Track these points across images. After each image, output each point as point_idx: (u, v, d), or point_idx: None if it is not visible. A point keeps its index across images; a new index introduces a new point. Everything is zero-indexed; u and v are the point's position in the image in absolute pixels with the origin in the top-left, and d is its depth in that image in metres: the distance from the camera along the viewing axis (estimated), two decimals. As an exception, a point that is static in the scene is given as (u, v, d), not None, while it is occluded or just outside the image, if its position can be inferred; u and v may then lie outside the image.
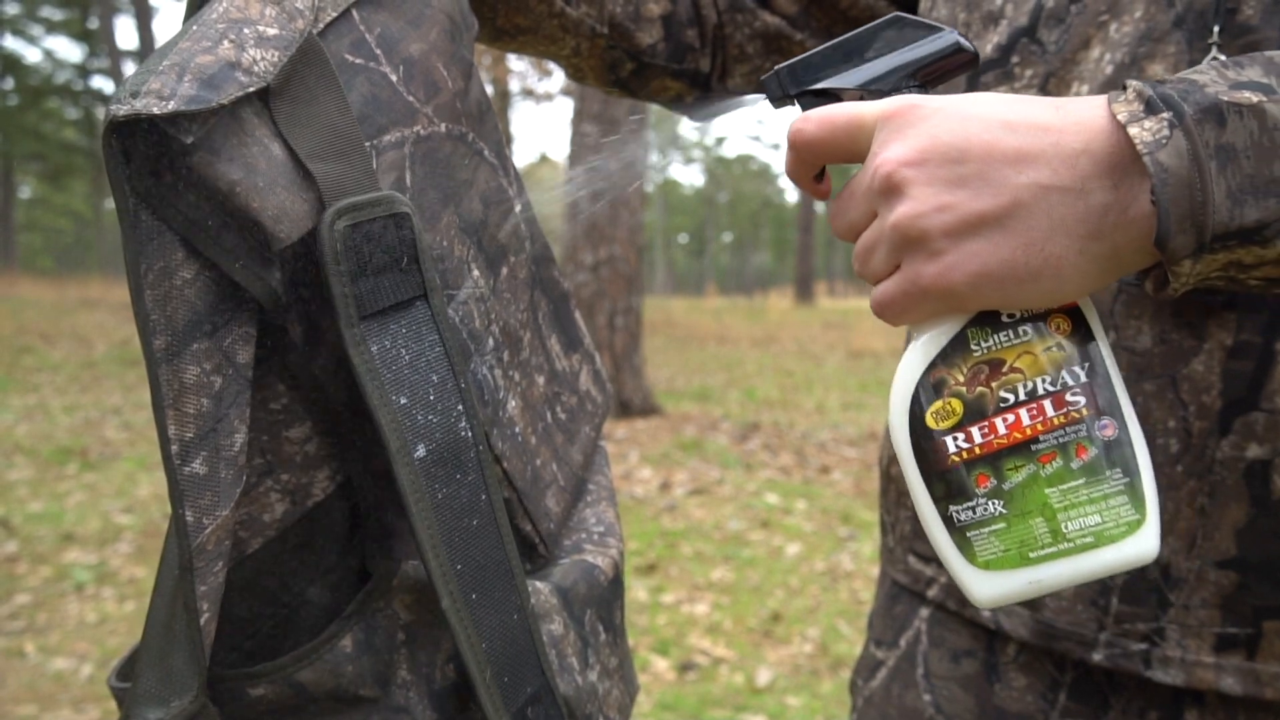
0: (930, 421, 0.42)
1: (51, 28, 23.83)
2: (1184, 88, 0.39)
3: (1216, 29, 0.53)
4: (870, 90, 0.48)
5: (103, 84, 25.23)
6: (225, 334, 0.39)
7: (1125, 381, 0.56)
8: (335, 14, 0.42)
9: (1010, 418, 0.42)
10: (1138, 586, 0.57)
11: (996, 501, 0.42)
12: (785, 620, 3.07)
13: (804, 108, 0.49)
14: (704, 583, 3.38)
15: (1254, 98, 0.38)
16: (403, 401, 0.41)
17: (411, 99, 0.45)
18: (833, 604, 3.22)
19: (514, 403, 0.51)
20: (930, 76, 0.49)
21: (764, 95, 0.52)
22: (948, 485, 0.42)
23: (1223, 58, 0.41)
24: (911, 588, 0.71)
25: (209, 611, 0.38)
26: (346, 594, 0.46)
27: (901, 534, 0.72)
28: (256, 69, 0.38)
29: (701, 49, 0.75)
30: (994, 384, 0.42)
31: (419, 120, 0.45)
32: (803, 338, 13.34)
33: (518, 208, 0.53)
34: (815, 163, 0.47)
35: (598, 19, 0.69)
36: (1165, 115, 0.38)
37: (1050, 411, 0.41)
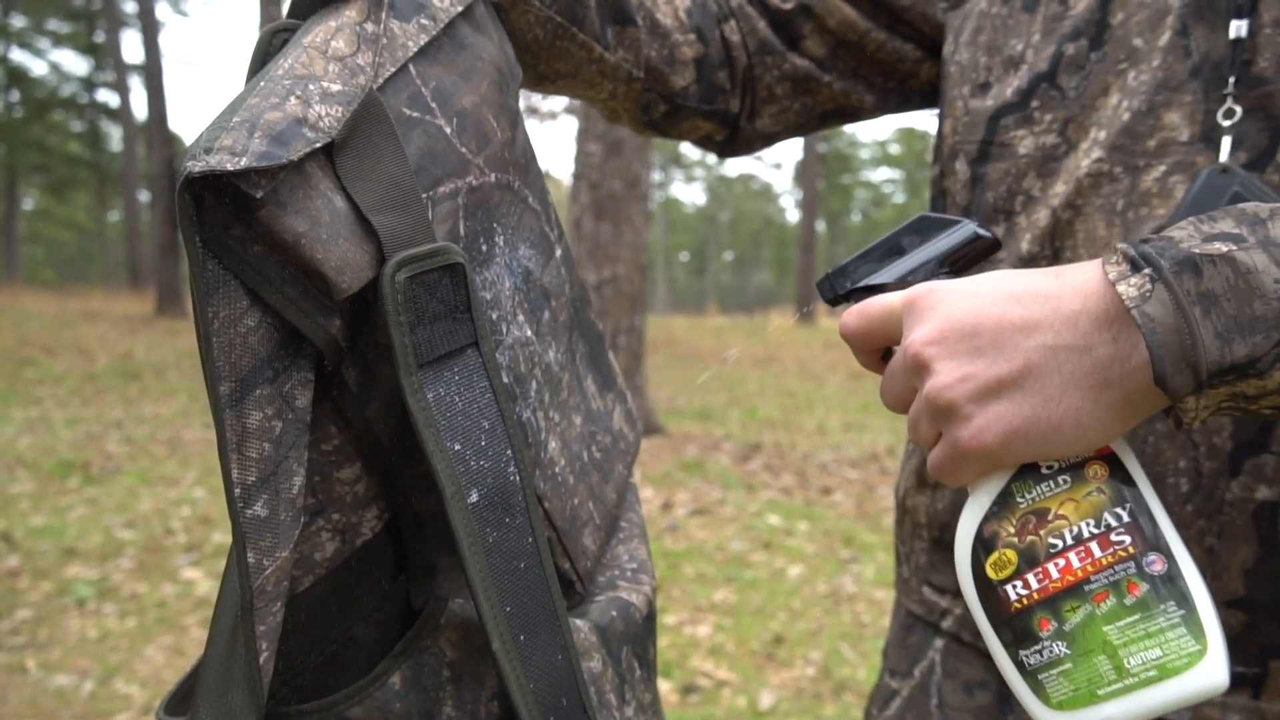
0: (991, 573, 0.45)
1: (58, 41, 23.96)
2: (1162, 245, 0.43)
3: (1232, 80, 0.55)
4: (907, 282, 0.53)
5: (108, 97, 25.37)
6: (286, 379, 0.40)
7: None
8: (394, 69, 0.44)
9: (1061, 562, 0.44)
10: None
11: (1060, 643, 0.44)
12: (788, 643, 3.07)
13: (853, 303, 0.54)
14: (706, 604, 3.37)
15: (1224, 248, 0.42)
16: (457, 448, 0.42)
17: (464, 150, 0.46)
18: (835, 627, 3.21)
19: (554, 443, 0.52)
20: (958, 264, 0.54)
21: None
22: (1014, 631, 0.45)
23: (1197, 217, 0.45)
24: (926, 618, 0.72)
25: (267, 650, 0.39)
26: (391, 630, 0.48)
27: (916, 565, 0.74)
28: (322, 124, 0.39)
29: (732, 90, 0.77)
30: (1042, 532, 0.45)
31: (471, 171, 0.47)
32: (804, 357, 13.36)
33: (558, 252, 0.55)
34: (868, 349, 0.53)
35: (634, 64, 0.71)
36: (1147, 271, 0.42)
37: (1098, 553, 0.44)
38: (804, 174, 23.60)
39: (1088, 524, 0.44)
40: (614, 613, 0.53)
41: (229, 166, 0.36)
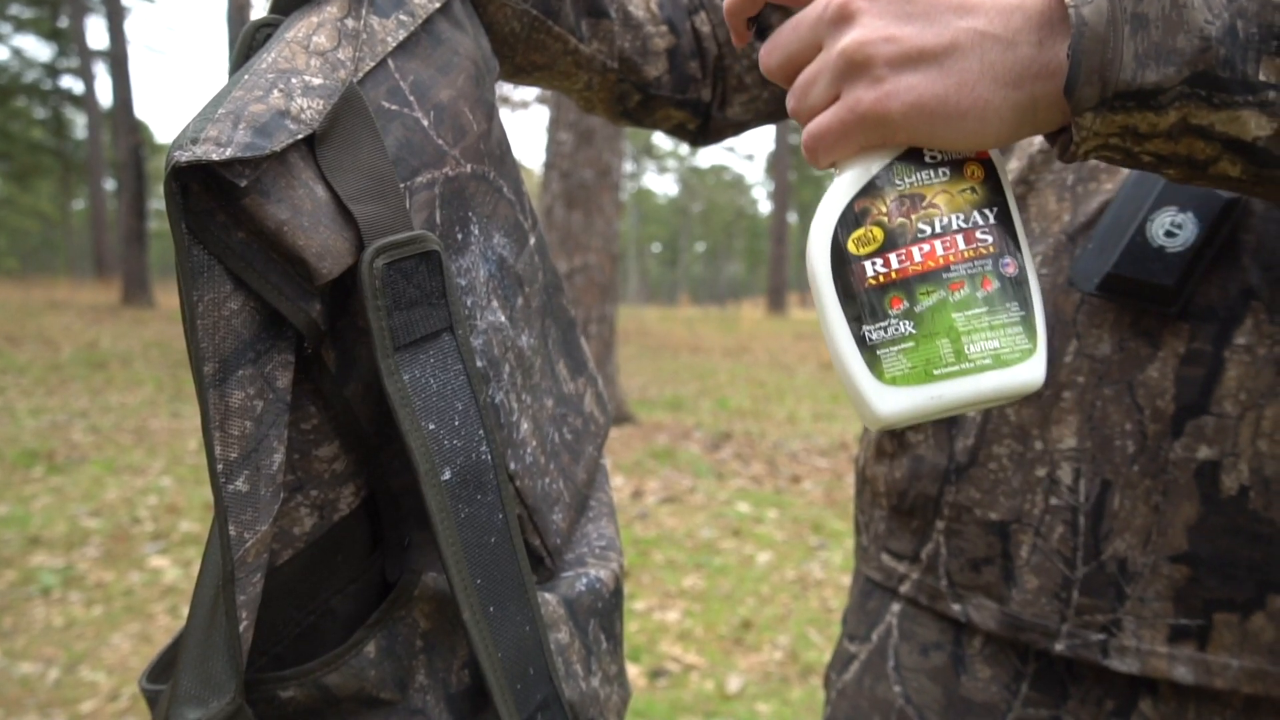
0: (852, 247, 0.45)
1: (20, 26, 23.48)
2: None
3: None
4: None
5: (72, 84, 24.92)
6: (267, 361, 0.42)
7: (1087, 386, 0.62)
8: (373, 63, 0.46)
9: (926, 247, 0.45)
10: (1097, 579, 0.62)
11: (907, 322, 0.45)
12: (756, 628, 3.11)
13: None
14: (675, 590, 3.41)
15: None
16: (431, 427, 0.44)
17: (441, 142, 0.48)
18: (803, 612, 3.26)
19: (526, 425, 0.54)
20: None
21: None
22: (862, 306, 0.45)
23: None
24: (884, 584, 0.75)
25: (247, 619, 0.41)
26: (367, 602, 0.49)
27: (875, 533, 0.77)
28: (304, 117, 0.41)
29: (703, 79, 0.79)
30: (914, 216, 0.45)
31: (447, 162, 0.48)
32: (774, 348, 13.43)
33: (532, 240, 0.57)
34: None
35: (609, 55, 0.73)
36: None
37: (962, 245, 0.45)
38: (776, 165, 23.68)
39: (958, 217, 0.45)
40: (581, 587, 0.56)
41: (214, 156, 0.38)
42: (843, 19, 0.44)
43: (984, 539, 0.66)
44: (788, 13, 0.52)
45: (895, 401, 0.45)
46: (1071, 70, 0.41)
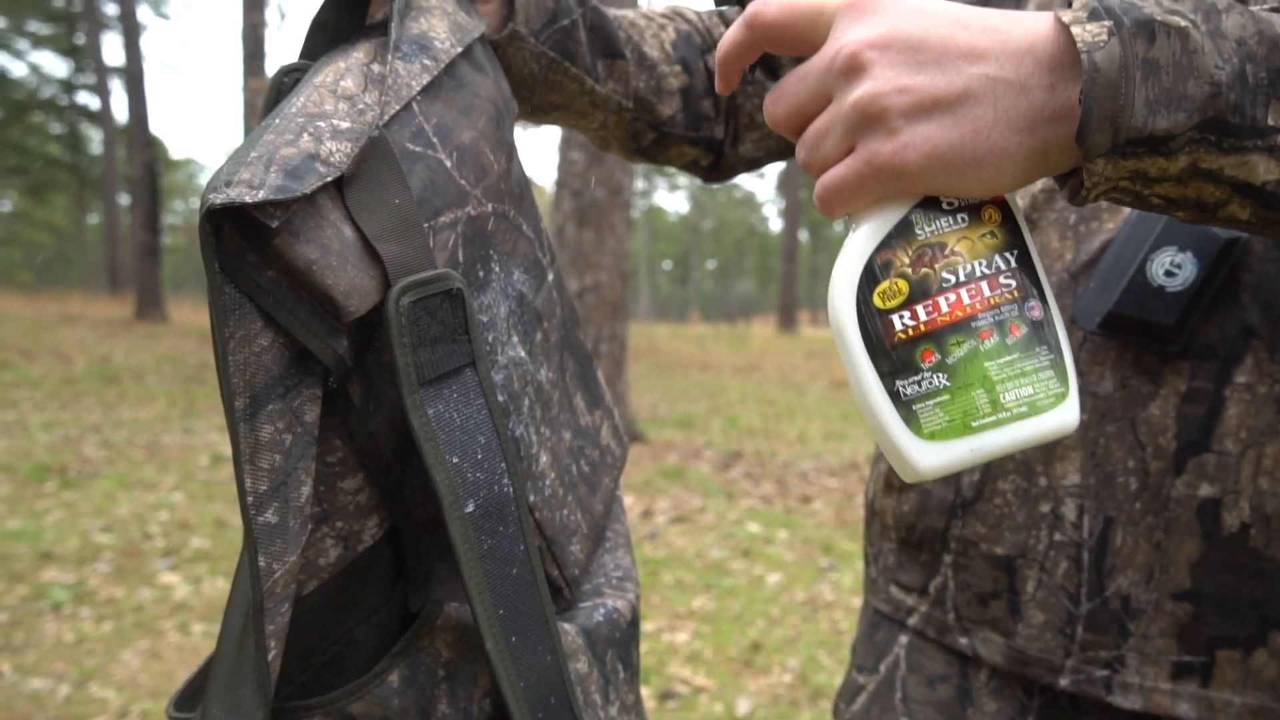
0: (877, 301, 0.44)
1: (38, 42, 23.77)
2: (1125, 5, 0.42)
3: None
4: None
5: (88, 100, 25.19)
6: (295, 395, 0.43)
7: (1090, 423, 0.62)
8: (398, 107, 0.47)
9: (952, 297, 0.44)
10: (1101, 615, 0.62)
11: (941, 375, 0.44)
12: (765, 650, 3.10)
13: (743, 4, 0.50)
14: (685, 611, 3.40)
15: (1183, 22, 0.41)
16: (455, 461, 0.45)
17: (463, 182, 0.49)
18: (813, 634, 3.25)
19: (545, 457, 0.55)
20: None
21: None
22: (893, 361, 0.44)
23: None
24: (892, 616, 0.76)
25: (275, 649, 0.42)
26: (390, 632, 0.50)
27: (884, 565, 0.77)
28: (333, 159, 0.42)
29: (716, 118, 0.81)
30: (937, 265, 0.44)
31: (469, 202, 0.50)
32: (785, 366, 13.43)
33: (550, 276, 0.58)
34: (765, 46, 0.48)
35: (624, 94, 0.75)
36: (1106, 23, 0.41)
37: (987, 292, 0.45)
38: (787, 183, 23.74)
39: (980, 263, 0.45)
40: (599, 618, 0.57)
41: (247, 199, 0.39)
42: (853, 70, 0.43)
43: (990, 573, 0.67)
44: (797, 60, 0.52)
45: (935, 456, 0.44)
46: (1084, 117, 0.41)
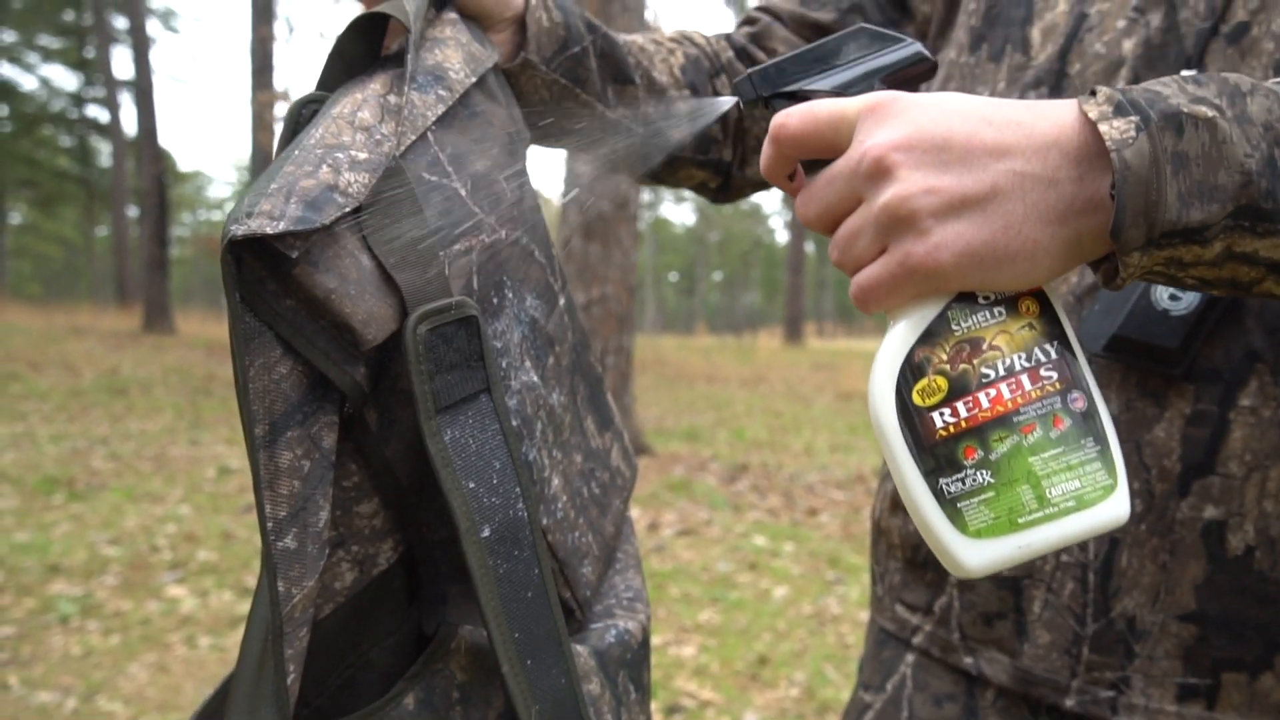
0: (917, 399, 0.44)
1: (48, 56, 23.97)
2: (1150, 96, 0.42)
3: None
4: (842, 93, 0.50)
5: (98, 113, 25.37)
6: (314, 422, 0.43)
7: None
8: (414, 137, 0.48)
9: (993, 392, 0.44)
10: (1107, 636, 0.62)
11: (985, 472, 0.43)
12: (772, 664, 3.10)
13: (776, 109, 0.52)
14: (691, 625, 3.40)
15: (1209, 112, 0.42)
16: (471, 486, 0.46)
17: (477, 210, 0.50)
18: (819, 648, 3.24)
19: (557, 480, 0.56)
20: (896, 82, 0.52)
21: (737, 99, 0.54)
22: (937, 459, 0.44)
23: (1185, 74, 0.45)
24: (898, 635, 0.76)
25: (294, 672, 0.42)
26: (405, 654, 0.51)
27: (890, 584, 0.78)
28: (351, 190, 0.43)
29: (724, 140, 0.81)
30: (975, 361, 0.44)
31: (484, 229, 0.50)
32: (791, 378, 13.42)
33: (561, 301, 0.59)
34: (796, 156, 0.49)
35: (633, 119, 0.75)
36: (1133, 118, 0.41)
37: (1028, 386, 0.44)
38: (792, 196, 23.73)
39: (1019, 357, 0.44)
40: (611, 639, 0.57)
41: (268, 230, 0.40)
42: (879, 173, 0.44)
43: (996, 593, 0.67)
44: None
45: (982, 554, 0.44)
46: (1117, 214, 0.41)
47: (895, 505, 0.76)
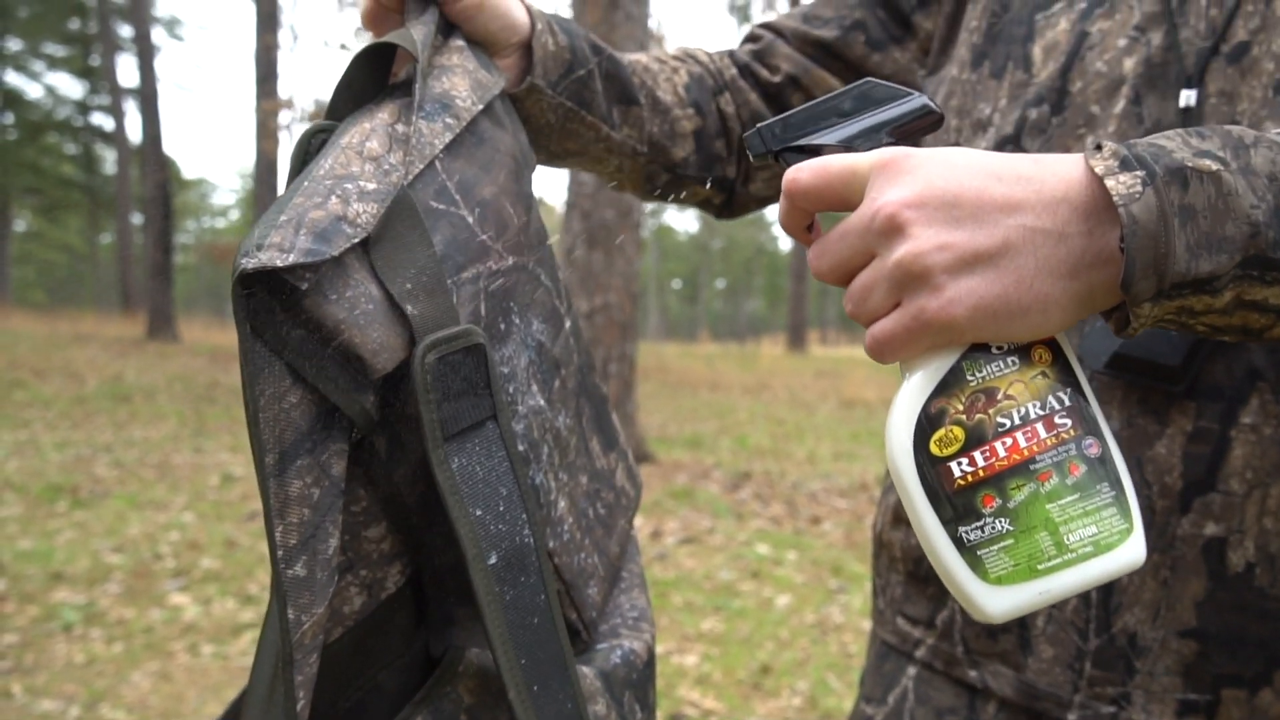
0: (934, 449, 0.45)
1: (53, 64, 24.05)
2: (1154, 151, 0.43)
3: None
4: (850, 146, 0.51)
5: (102, 121, 25.44)
6: (323, 450, 0.44)
7: None
8: (422, 166, 0.48)
9: (1009, 441, 0.45)
10: (1108, 652, 0.63)
11: (1003, 520, 0.44)
12: (775, 673, 3.09)
13: (786, 163, 0.53)
14: (694, 633, 3.39)
15: (1214, 166, 0.43)
16: (478, 513, 0.46)
17: (485, 238, 0.51)
18: (822, 657, 3.24)
19: (563, 502, 0.56)
20: (903, 135, 0.52)
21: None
22: (956, 508, 0.45)
23: (1188, 129, 0.46)
24: (900, 648, 0.76)
25: (304, 698, 0.43)
26: (412, 678, 0.51)
27: (892, 597, 0.78)
28: (360, 220, 0.44)
29: (728, 158, 0.82)
30: (990, 411, 0.45)
31: (491, 256, 0.51)
32: (794, 386, 13.41)
33: (567, 324, 0.59)
34: (810, 210, 0.50)
35: (638, 139, 0.76)
36: (1139, 173, 0.42)
37: (1043, 434, 0.45)
38: (794, 203, 23.71)
39: (1034, 405, 0.45)
40: (616, 659, 0.57)
41: (279, 263, 0.40)
42: (892, 230, 0.44)
43: None
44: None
45: (1003, 601, 0.44)
46: (1127, 268, 0.42)
47: (897, 518, 0.77)
